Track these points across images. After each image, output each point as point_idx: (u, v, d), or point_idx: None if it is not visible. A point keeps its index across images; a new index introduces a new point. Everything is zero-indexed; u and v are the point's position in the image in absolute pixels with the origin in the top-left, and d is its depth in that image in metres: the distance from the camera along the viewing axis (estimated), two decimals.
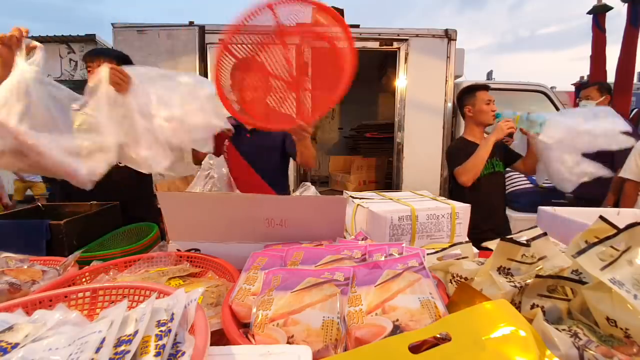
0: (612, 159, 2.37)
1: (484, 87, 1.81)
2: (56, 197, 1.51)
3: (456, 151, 1.82)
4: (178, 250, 0.84)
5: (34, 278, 0.68)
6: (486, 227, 1.62)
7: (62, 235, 0.95)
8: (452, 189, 1.89)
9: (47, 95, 0.97)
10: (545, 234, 0.61)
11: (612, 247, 0.52)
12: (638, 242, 0.51)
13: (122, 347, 0.34)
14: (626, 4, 3.07)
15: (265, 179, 1.47)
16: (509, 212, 2.32)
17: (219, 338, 0.51)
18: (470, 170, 1.69)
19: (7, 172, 4.67)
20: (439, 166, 3.11)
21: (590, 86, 2.48)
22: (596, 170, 1.66)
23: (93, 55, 1.37)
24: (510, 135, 1.77)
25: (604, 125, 1.55)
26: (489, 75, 4.81)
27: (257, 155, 1.49)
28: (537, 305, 0.51)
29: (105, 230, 1.15)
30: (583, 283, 0.50)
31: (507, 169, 1.89)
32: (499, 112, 1.76)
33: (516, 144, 1.86)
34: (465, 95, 1.84)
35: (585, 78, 4.09)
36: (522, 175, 2.78)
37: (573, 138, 1.58)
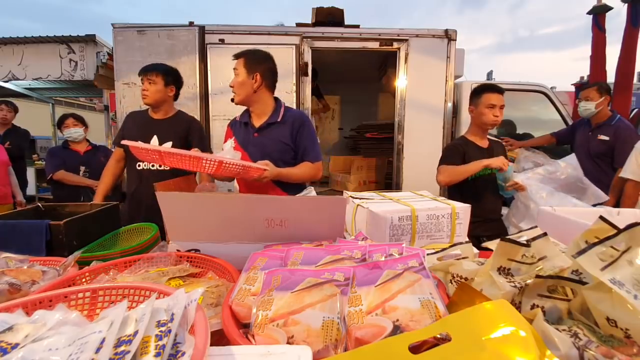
0: (612, 159, 2.38)
1: (491, 89, 1.76)
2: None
3: (452, 148, 1.85)
4: (178, 250, 0.84)
5: (33, 278, 0.68)
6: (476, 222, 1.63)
7: (62, 235, 0.95)
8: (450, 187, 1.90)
9: None
10: (545, 234, 0.61)
11: (612, 247, 0.52)
12: (638, 242, 0.51)
13: (122, 348, 0.34)
14: (626, 4, 3.07)
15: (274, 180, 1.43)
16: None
17: (219, 338, 0.51)
18: (450, 176, 1.72)
19: (31, 169, 4.62)
20: None
21: (590, 87, 2.48)
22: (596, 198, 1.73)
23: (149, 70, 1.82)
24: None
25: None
26: (489, 75, 4.81)
27: (264, 156, 1.41)
28: (537, 306, 0.51)
29: (105, 230, 1.15)
30: (583, 283, 0.50)
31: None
32: (505, 173, 1.64)
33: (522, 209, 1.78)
34: (473, 95, 1.83)
35: (586, 78, 4.09)
36: None
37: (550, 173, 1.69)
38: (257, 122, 1.54)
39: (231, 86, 1.50)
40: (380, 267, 0.58)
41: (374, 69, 4.12)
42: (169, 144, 1.24)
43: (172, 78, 1.88)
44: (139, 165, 1.84)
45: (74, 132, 2.69)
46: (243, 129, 1.56)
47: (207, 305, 0.60)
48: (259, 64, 1.49)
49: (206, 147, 2.00)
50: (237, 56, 1.52)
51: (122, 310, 0.39)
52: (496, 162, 1.61)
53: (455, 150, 1.80)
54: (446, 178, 1.74)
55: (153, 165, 1.84)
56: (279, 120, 1.52)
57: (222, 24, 2.91)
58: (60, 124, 2.75)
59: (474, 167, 1.66)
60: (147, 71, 1.82)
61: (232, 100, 1.53)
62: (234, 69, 1.49)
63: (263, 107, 1.54)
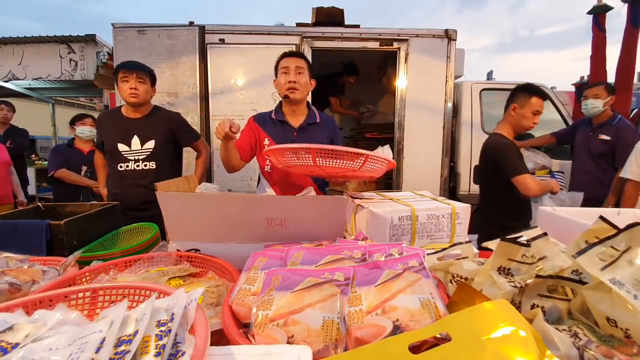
0: (613, 159, 2.38)
1: (543, 95, 1.71)
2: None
3: (512, 151, 1.73)
4: (178, 250, 0.84)
5: (34, 278, 0.68)
6: (513, 224, 1.63)
7: (62, 235, 0.95)
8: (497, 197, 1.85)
9: None
10: (545, 234, 0.61)
11: (612, 247, 0.51)
12: (638, 242, 0.51)
13: (122, 347, 0.34)
14: (626, 4, 3.07)
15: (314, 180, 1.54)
16: None
17: (219, 338, 0.51)
18: (542, 190, 1.65)
19: (30, 169, 4.62)
20: (439, 166, 3.10)
21: (597, 85, 2.48)
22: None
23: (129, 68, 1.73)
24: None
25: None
26: (489, 75, 4.80)
27: None
28: (537, 306, 0.51)
29: (106, 230, 1.15)
30: (583, 283, 0.50)
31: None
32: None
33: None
34: (521, 93, 1.74)
35: (586, 78, 4.09)
36: None
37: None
38: (295, 122, 1.59)
39: (292, 81, 1.51)
40: (380, 267, 0.58)
41: (374, 68, 4.12)
42: None
43: (155, 79, 1.85)
44: (120, 167, 1.78)
45: (88, 130, 2.72)
46: (278, 127, 1.58)
47: (207, 305, 0.60)
48: (312, 71, 1.59)
49: (195, 136, 1.98)
50: (298, 55, 1.56)
51: (122, 310, 0.39)
52: (557, 188, 1.66)
53: (516, 151, 1.73)
54: (539, 191, 1.64)
55: (138, 165, 1.78)
56: (317, 121, 1.63)
57: (222, 24, 2.91)
58: (75, 120, 2.77)
59: (548, 187, 1.66)
60: (134, 69, 1.73)
61: (286, 97, 1.53)
62: (298, 67, 1.52)
63: (302, 108, 1.62)
